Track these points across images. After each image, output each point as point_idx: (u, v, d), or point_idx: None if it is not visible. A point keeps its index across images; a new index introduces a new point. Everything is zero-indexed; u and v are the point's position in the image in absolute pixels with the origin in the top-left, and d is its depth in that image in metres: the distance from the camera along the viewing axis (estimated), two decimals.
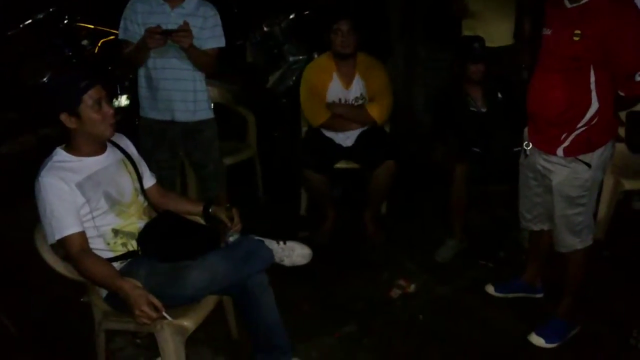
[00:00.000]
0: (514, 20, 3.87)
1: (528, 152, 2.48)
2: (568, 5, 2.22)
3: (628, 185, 3.15)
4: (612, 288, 2.83)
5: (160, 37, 2.59)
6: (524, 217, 2.66)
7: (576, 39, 2.15)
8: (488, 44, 3.24)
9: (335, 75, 3.42)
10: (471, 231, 3.35)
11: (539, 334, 2.52)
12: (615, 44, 2.10)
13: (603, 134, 2.29)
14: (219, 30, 2.84)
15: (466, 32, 3.82)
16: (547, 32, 2.31)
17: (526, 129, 2.50)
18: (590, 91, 2.21)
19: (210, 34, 2.80)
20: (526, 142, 2.49)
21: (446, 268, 3.15)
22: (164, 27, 2.62)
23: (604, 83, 2.20)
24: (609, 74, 2.18)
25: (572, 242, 2.43)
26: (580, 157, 2.29)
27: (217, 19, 2.83)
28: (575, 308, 2.54)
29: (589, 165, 2.29)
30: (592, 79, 2.19)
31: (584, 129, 2.26)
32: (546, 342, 2.50)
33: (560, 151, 2.31)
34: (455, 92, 3.28)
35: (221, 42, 2.86)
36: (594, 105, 2.22)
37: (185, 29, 2.61)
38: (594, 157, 2.29)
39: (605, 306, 2.64)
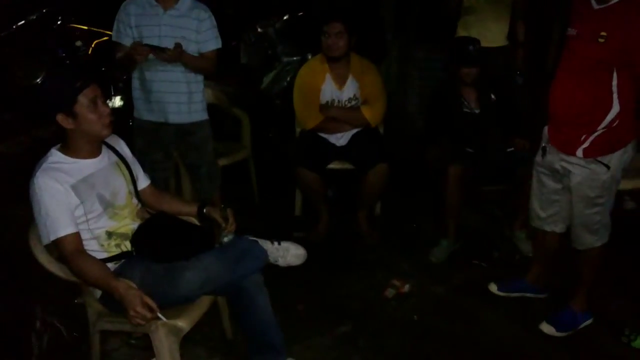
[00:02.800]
0: (509, 22, 3.88)
1: (547, 151, 2.48)
2: (595, 6, 2.20)
3: (620, 185, 3.16)
4: (605, 287, 2.85)
5: (146, 50, 2.62)
6: (537, 216, 2.65)
7: (601, 40, 2.14)
8: (482, 43, 3.25)
9: (328, 76, 3.42)
10: (465, 231, 3.37)
11: (550, 322, 2.55)
12: (636, 44, 2.10)
13: (623, 136, 2.30)
14: (215, 32, 2.85)
15: (461, 32, 3.84)
16: (572, 32, 2.29)
17: (546, 128, 2.50)
18: (612, 93, 2.21)
19: (206, 37, 2.81)
20: (545, 142, 2.49)
21: (440, 268, 3.16)
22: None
23: (625, 85, 2.20)
24: (632, 76, 2.18)
25: (590, 240, 2.46)
26: (600, 158, 2.30)
27: (212, 21, 2.83)
28: (588, 301, 2.57)
29: (607, 166, 2.30)
30: (615, 81, 2.19)
31: (603, 130, 2.27)
32: (557, 331, 2.54)
33: (579, 152, 2.32)
34: (449, 93, 3.29)
35: (218, 44, 2.87)
36: (615, 108, 2.23)
37: (178, 51, 2.64)
38: (614, 158, 2.30)
39: (597, 305, 2.65)
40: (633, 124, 2.32)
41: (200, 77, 2.90)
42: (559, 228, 2.61)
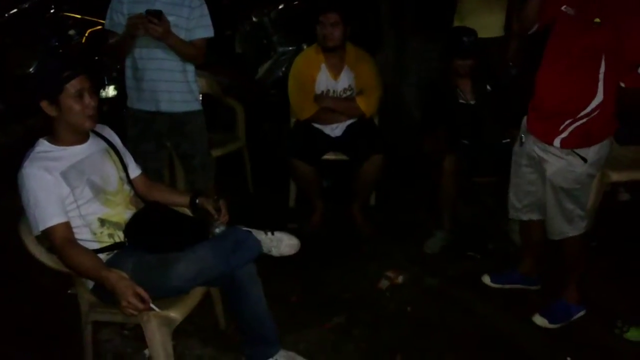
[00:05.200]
0: (506, 12, 3.86)
1: (524, 140, 2.48)
2: None
3: (614, 177, 3.16)
4: (598, 278, 2.85)
5: (139, 22, 2.56)
6: (513, 206, 2.66)
7: (595, 25, 2.11)
8: (478, 34, 3.22)
9: (323, 67, 3.40)
10: (460, 223, 3.36)
11: (543, 315, 2.55)
12: (628, 30, 2.07)
13: (602, 130, 2.29)
14: (206, 20, 2.82)
15: (457, 22, 3.82)
16: (569, 11, 2.22)
17: (525, 118, 2.49)
18: (597, 81, 2.19)
19: (197, 24, 2.78)
20: (523, 131, 2.48)
21: (435, 259, 3.16)
22: None
23: (612, 76, 2.18)
24: (618, 65, 2.16)
25: (564, 228, 2.45)
26: (577, 150, 2.29)
27: (204, 9, 2.80)
28: (580, 292, 2.58)
29: (584, 159, 2.29)
30: (602, 69, 2.17)
31: (584, 120, 2.25)
32: (550, 323, 2.54)
33: (557, 142, 2.31)
34: (445, 84, 3.27)
35: (209, 32, 2.83)
36: (599, 97, 2.21)
37: (165, 27, 2.58)
38: (590, 152, 2.29)
39: (590, 297, 2.66)
40: (612, 118, 2.31)
41: (192, 67, 2.87)
42: (535, 216, 2.61)
